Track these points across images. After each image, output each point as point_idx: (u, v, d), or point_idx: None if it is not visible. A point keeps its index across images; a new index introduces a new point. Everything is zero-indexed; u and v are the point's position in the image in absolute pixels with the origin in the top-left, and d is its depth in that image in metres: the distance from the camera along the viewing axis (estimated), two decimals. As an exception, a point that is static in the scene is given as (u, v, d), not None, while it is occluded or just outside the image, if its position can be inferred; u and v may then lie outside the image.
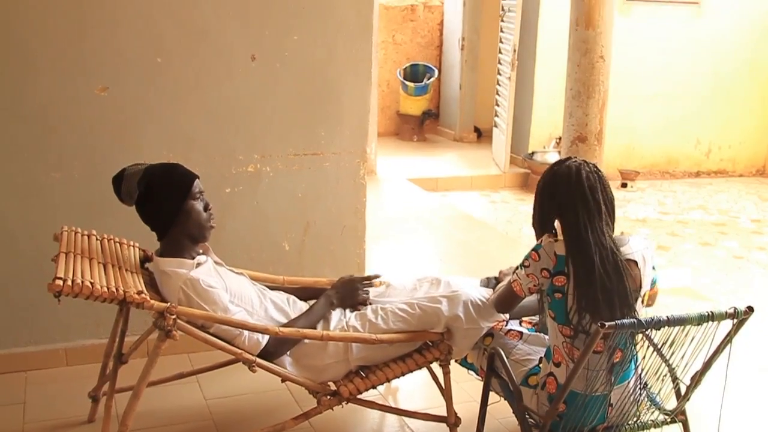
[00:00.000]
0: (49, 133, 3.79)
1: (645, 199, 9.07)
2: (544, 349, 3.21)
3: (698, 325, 2.72)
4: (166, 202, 3.07)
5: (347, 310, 3.41)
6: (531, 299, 3.42)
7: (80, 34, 3.73)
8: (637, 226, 7.73)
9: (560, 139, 9.23)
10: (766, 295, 6.13)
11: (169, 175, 3.13)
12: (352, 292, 3.40)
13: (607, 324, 2.59)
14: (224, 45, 3.95)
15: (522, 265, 3.08)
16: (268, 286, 3.50)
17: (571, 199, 2.91)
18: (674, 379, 3.00)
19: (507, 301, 3.21)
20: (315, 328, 3.24)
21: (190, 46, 3.90)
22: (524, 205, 8.55)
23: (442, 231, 7.09)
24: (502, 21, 9.49)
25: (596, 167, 3.01)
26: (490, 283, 3.57)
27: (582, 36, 5.17)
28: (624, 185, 9.49)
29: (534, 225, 3.11)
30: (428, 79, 11.11)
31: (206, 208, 3.19)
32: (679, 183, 9.97)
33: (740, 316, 2.75)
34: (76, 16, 3.72)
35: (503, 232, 7.49)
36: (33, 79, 3.72)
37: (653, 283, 3.09)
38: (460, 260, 6.26)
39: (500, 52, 9.57)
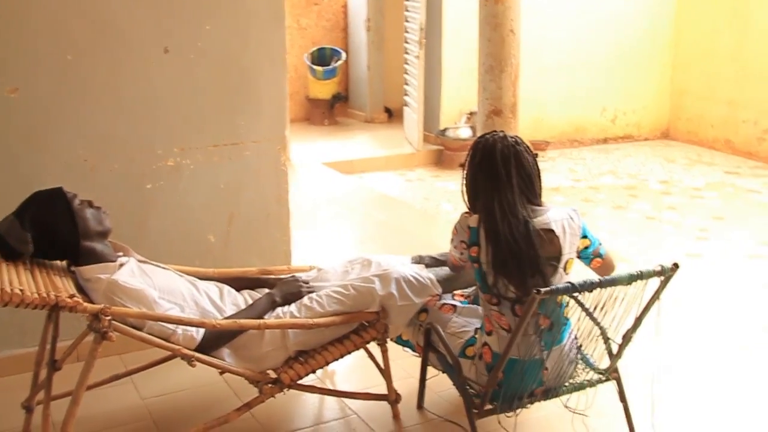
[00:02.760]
0: (-41, 140, 3.67)
1: (557, 167, 9.26)
2: (479, 321, 3.28)
3: (628, 284, 2.83)
4: (60, 223, 3.01)
5: (282, 299, 3.42)
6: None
7: (-16, 36, 3.63)
8: (552, 194, 7.89)
9: (471, 114, 9.36)
10: (679, 251, 6.35)
11: (43, 201, 3.04)
12: (294, 291, 3.40)
13: (543, 290, 2.67)
14: (136, 38, 3.88)
15: (451, 239, 3.20)
16: (199, 278, 3.48)
17: (483, 172, 3.07)
18: (605, 339, 3.11)
19: (453, 267, 3.38)
20: None
21: (101, 41, 3.81)
22: (440, 182, 8.65)
23: (362, 213, 7.12)
24: (407, 0, 9.53)
25: (516, 140, 3.12)
26: (423, 260, 3.63)
27: (492, 11, 5.24)
28: (535, 155, 9.65)
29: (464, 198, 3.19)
30: (336, 62, 11.10)
31: (91, 204, 3.15)
32: (588, 150, 10.19)
33: (667, 273, 2.87)
34: (-22, 17, 3.61)
35: (422, 210, 7.56)
36: (-63, 84, 3.60)
37: (600, 255, 3.19)
38: (383, 240, 6.30)
39: (407, 32, 9.62)
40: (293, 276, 3.52)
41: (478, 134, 5.75)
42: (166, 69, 3.97)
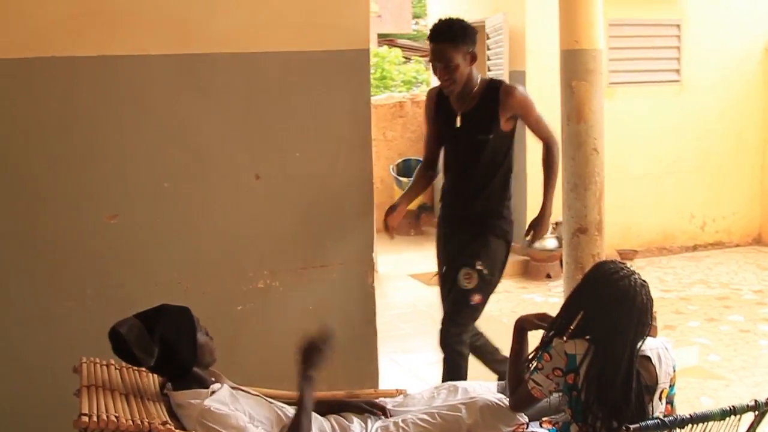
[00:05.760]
0: (61, 263, 3.84)
1: (646, 277, 8.85)
2: (568, 449, 3.22)
3: (721, 420, 2.75)
4: (184, 346, 3.08)
5: (369, 422, 3.41)
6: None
7: (88, 164, 3.83)
8: (641, 307, 7.73)
9: (556, 224, 9.33)
10: (777, 370, 6.13)
11: (174, 319, 3.10)
12: (317, 353, 3.37)
13: (632, 427, 2.62)
14: (229, 166, 4.04)
15: (536, 368, 3.13)
16: (287, 403, 3.51)
17: (606, 320, 2.97)
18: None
19: (525, 403, 3.24)
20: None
21: (196, 169, 3.99)
22: (527, 293, 8.58)
23: (449, 327, 7.07)
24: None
25: (647, 293, 3.06)
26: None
27: (574, 130, 5.30)
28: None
29: (559, 320, 3.13)
30: (421, 173, 11.25)
31: (207, 333, 3.23)
32: (677, 258, 10.00)
33: (762, 409, 2.78)
34: (84, 147, 3.82)
35: (509, 324, 7.47)
36: (43, 210, 3.80)
37: (672, 403, 3.12)
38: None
39: (490, 144, 9.73)
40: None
41: (564, 250, 5.74)
42: (257, 194, 4.11)
